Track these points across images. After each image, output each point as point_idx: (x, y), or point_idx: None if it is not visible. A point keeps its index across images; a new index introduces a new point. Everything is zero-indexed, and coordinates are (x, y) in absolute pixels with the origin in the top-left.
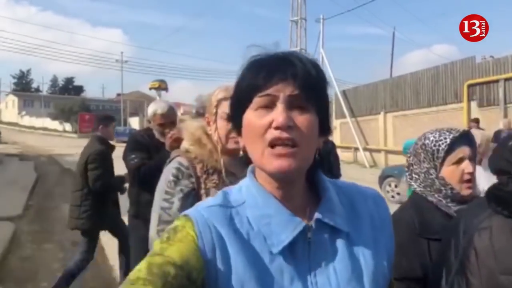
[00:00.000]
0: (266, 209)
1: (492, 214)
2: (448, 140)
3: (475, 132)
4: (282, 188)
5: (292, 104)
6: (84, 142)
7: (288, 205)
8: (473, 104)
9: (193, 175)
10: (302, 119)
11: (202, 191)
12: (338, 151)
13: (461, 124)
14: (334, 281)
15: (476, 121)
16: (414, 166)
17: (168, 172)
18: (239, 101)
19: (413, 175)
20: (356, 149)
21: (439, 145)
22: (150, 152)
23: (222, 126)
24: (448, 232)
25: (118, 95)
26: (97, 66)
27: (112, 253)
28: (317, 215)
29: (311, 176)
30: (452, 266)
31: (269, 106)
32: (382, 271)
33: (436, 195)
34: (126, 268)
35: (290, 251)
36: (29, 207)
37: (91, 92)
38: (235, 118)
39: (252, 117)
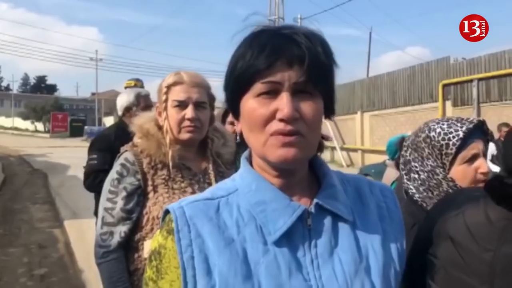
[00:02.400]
0: (260, 195)
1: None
2: (460, 133)
3: None
4: (283, 177)
5: (297, 90)
6: (56, 142)
7: (286, 193)
8: (448, 104)
9: (139, 171)
10: (308, 108)
11: (150, 188)
12: None
13: None
14: (340, 273)
15: None
16: (413, 163)
17: (113, 170)
18: (237, 83)
19: (412, 175)
20: (333, 148)
21: (449, 139)
22: (115, 153)
23: (173, 114)
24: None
25: (93, 94)
26: (71, 65)
27: (81, 257)
28: (316, 199)
29: (311, 162)
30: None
31: (272, 93)
32: (392, 264)
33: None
34: None
35: (287, 240)
36: None
37: (65, 91)
38: (232, 102)
39: (252, 104)
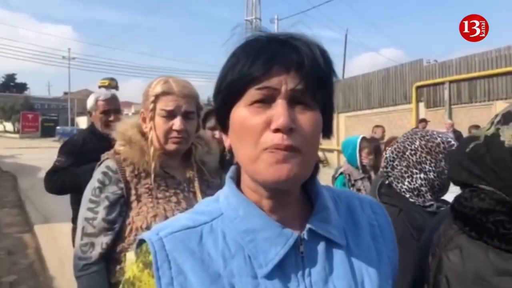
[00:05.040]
0: (249, 222)
1: (459, 232)
2: (453, 143)
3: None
4: (273, 198)
5: (294, 100)
6: (26, 142)
7: (277, 216)
8: (421, 105)
9: (122, 180)
10: (305, 119)
11: (133, 198)
12: None
13: (410, 124)
14: None
15: (425, 121)
16: (423, 165)
17: (94, 178)
18: (228, 92)
19: (421, 175)
20: None
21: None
22: (81, 158)
23: (160, 124)
24: (419, 252)
25: (66, 93)
26: (43, 63)
27: (52, 264)
28: (309, 224)
29: (306, 182)
30: None
31: (266, 101)
32: (387, 287)
33: (421, 198)
34: None
35: (279, 271)
36: None
37: (36, 90)
38: (221, 113)
39: (244, 114)
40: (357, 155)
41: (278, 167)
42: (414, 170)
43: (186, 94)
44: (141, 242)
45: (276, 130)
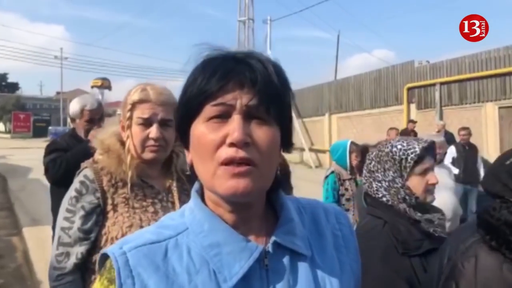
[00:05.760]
0: (214, 236)
1: (479, 241)
2: (417, 150)
3: (433, 137)
4: (236, 211)
5: (250, 115)
6: (18, 143)
7: (242, 229)
8: (412, 107)
9: (99, 189)
10: (261, 134)
11: (109, 207)
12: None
13: (402, 125)
14: None
15: (412, 122)
16: (376, 174)
17: (72, 187)
18: (187, 109)
19: (375, 183)
20: (302, 149)
21: (408, 155)
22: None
23: (137, 133)
24: (437, 256)
25: (58, 93)
26: (35, 63)
27: (40, 267)
28: (274, 237)
29: (269, 195)
30: None
31: (223, 116)
32: None
33: (401, 205)
34: None
35: (244, 285)
36: None
37: (28, 90)
38: (181, 129)
39: (202, 130)
40: (347, 157)
41: (234, 181)
42: (370, 179)
43: (163, 101)
44: (105, 257)
45: (231, 145)
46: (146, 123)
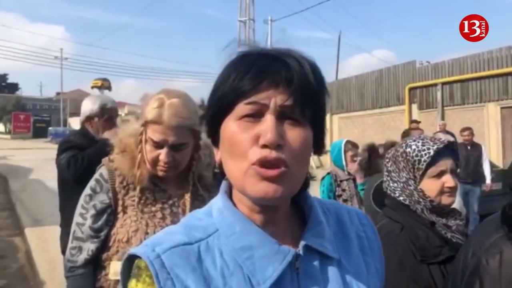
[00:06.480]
0: (246, 239)
1: (504, 237)
2: (431, 152)
3: (441, 135)
4: (265, 212)
5: (283, 115)
6: (18, 143)
7: (270, 230)
8: (414, 107)
9: (111, 189)
10: (294, 135)
11: (119, 208)
12: None
13: (404, 125)
14: None
15: (416, 122)
16: (393, 174)
17: (89, 184)
18: (219, 107)
19: (391, 184)
20: None
21: (421, 156)
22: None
23: (149, 151)
24: (460, 251)
25: (58, 93)
26: (35, 63)
27: (43, 268)
28: (304, 240)
29: (297, 195)
30: None
31: (256, 115)
32: None
33: (417, 205)
34: None
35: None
36: None
37: (28, 90)
38: (211, 126)
39: (233, 128)
40: (343, 157)
41: (265, 185)
42: (388, 178)
43: (175, 126)
44: (132, 257)
45: (264, 146)
46: (157, 145)
